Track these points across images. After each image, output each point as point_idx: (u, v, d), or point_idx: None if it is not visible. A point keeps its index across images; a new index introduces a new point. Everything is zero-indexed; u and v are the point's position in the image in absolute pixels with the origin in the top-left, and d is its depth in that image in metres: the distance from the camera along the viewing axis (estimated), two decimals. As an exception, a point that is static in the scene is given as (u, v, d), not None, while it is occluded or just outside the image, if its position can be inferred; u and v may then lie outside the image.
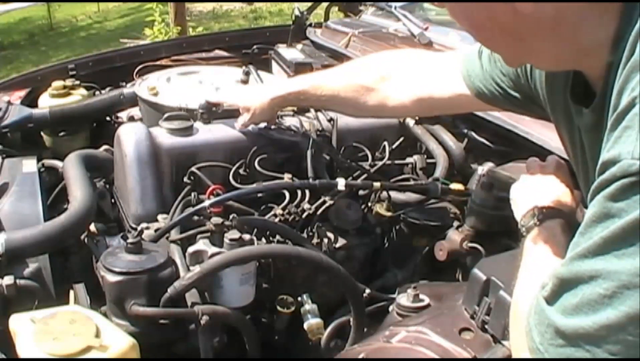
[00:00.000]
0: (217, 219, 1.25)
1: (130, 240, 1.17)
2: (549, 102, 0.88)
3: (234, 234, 1.22)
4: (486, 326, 0.95)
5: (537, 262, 0.82)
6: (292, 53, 2.31)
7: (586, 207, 0.96)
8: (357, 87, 1.34)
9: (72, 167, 1.54)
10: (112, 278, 1.13)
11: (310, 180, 1.43)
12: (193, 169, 1.45)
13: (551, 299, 0.60)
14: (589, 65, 0.69)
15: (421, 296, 1.17)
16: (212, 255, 1.20)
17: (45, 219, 1.40)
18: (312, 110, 1.68)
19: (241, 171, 1.49)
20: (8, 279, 1.19)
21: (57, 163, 1.72)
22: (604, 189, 0.55)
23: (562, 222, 0.88)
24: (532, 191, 0.97)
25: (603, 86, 0.66)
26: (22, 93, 2.09)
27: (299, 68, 2.11)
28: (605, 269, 0.53)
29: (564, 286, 0.58)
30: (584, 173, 0.83)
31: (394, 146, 1.69)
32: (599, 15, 0.63)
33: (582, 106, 0.74)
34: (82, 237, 1.44)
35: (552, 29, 0.66)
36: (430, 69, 1.23)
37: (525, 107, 1.02)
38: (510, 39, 0.70)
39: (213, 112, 1.60)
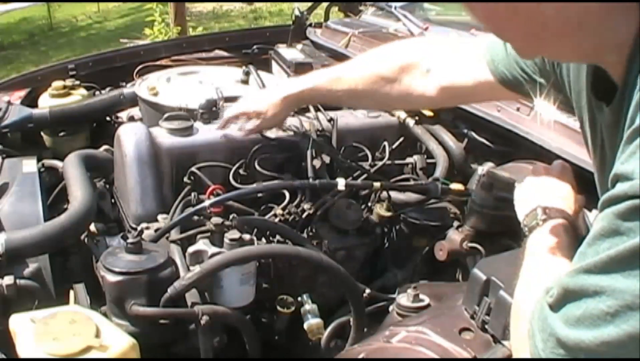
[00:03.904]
0: (217, 219, 1.25)
1: (130, 240, 1.17)
2: (574, 92, 0.86)
3: (234, 234, 1.22)
4: (486, 326, 0.94)
5: (539, 262, 0.82)
6: (292, 53, 2.31)
7: (589, 210, 0.97)
8: (376, 79, 1.30)
9: (72, 167, 1.54)
10: (112, 278, 1.13)
11: (310, 180, 1.43)
12: (193, 169, 1.45)
13: (555, 307, 0.60)
14: (610, 62, 0.68)
15: (421, 296, 1.17)
16: (212, 255, 1.20)
17: (45, 219, 1.40)
18: (312, 110, 1.68)
19: (241, 171, 1.49)
20: (8, 279, 1.19)
21: (57, 163, 1.72)
22: (613, 205, 0.55)
23: (565, 223, 0.88)
24: (536, 191, 0.97)
25: (622, 87, 0.65)
26: (22, 93, 2.09)
27: (299, 68, 2.10)
28: (610, 287, 0.54)
29: (568, 296, 0.58)
30: (600, 170, 0.82)
31: (394, 146, 1.69)
32: (622, 13, 0.62)
33: (603, 102, 0.73)
34: (82, 237, 1.44)
35: (575, 29, 0.65)
36: (452, 57, 1.19)
37: (550, 95, 0.98)
38: (531, 37, 0.68)
39: (213, 112, 1.60)
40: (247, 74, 1.91)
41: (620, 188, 0.55)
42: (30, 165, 1.64)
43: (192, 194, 1.39)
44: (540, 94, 1.01)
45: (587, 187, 0.92)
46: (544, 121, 1.38)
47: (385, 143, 1.66)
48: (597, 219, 0.58)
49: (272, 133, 1.56)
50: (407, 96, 1.27)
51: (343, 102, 1.54)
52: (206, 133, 1.53)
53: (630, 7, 0.62)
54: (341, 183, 1.39)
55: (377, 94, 1.31)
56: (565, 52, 0.72)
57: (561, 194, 0.94)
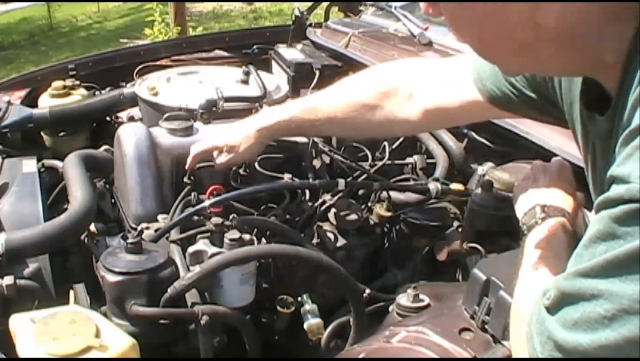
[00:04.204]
0: (217, 219, 1.25)
1: (130, 240, 1.17)
2: (566, 104, 0.84)
3: (234, 234, 1.22)
4: (486, 326, 0.95)
5: (538, 261, 0.82)
6: (292, 53, 2.31)
7: (588, 208, 0.97)
8: (357, 107, 1.24)
9: (72, 167, 1.54)
10: (112, 278, 1.13)
11: (310, 180, 1.43)
12: (193, 169, 1.45)
13: (552, 310, 0.60)
14: (604, 70, 0.67)
15: (421, 296, 1.17)
16: (212, 255, 1.20)
17: (45, 219, 1.40)
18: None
19: (241, 171, 1.49)
20: (8, 279, 1.19)
21: (57, 163, 1.72)
22: (609, 208, 0.55)
23: (564, 221, 0.88)
24: (535, 189, 0.97)
25: (617, 94, 0.64)
26: (22, 93, 2.09)
27: (299, 68, 2.11)
28: (607, 290, 0.53)
29: (565, 299, 0.58)
30: (593, 180, 0.81)
31: (394, 146, 1.69)
32: (620, 21, 0.61)
33: (596, 112, 0.72)
34: (82, 237, 1.44)
35: (571, 41, 0.63)
36: (435, 79, 1.15)
37: (542, 109, 0.95)
38: (524, 52, 0.66)
39: (213, 112, 1.60)
40: (247, 74, 1.91)
41: (616, 190, 0.55)
42: (30, 165, 1.64)
43: (192, 194, 1.39)
44: (531, 109, 0.98)
45: (586, 186, 0.92)
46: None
47: (385, 143, 1.66)
48: (593, 221, 0.58)
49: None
50: (389, 122, 1.22)
51: (321, 131, 1.46)
52: (206, 133, 1.53)
53: (628, 13, 0.61)
54: (341, 183, 1.39)
55: (358, 122, 1.25)
56: (560, 68, 0.71)
57: (559, 192, 0.94)
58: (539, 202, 0.91)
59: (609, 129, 0.67)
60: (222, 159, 1.40)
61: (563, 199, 0.93)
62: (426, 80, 1.18)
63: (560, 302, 0.59)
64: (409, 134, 1.63)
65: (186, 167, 1.42)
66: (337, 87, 1.33)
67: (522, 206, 0.94)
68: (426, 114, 1.17)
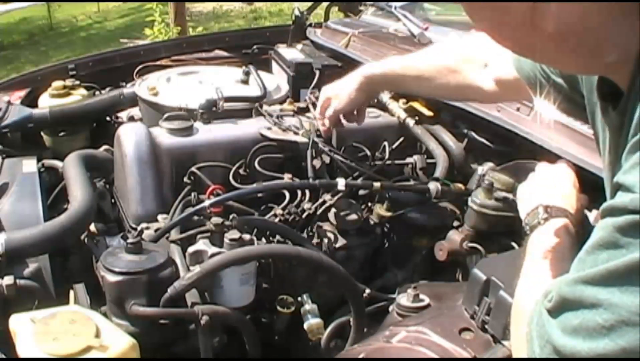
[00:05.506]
0: (217, 219, 1.25)
1: (130, 240, 1.17)
2: (586, 90, 0.84)
3: (234, 234, 1.22)
4: (486, 326, 0.95)
5: (540, 261, 0.82)
6: (292, 53, 2.31)
7: (589, 210, 0.97)
8: (441, 68, 1.35)
9: (72, 167, 1.54)
10: (112, 278, 1.13)
11: (310, 180, 1.43)
12: (193, 169, 1.45)
13: (553, 313, 0.60)
14: (615, 72, 0.67)
15: (421, 296, 1.17)
16: (212, 255, 1.20)
17: (45, 219, 1.40)
18: (312, 110, 1.68)
19: (241, 171, 1.49)
20: (8, 279, 1.19)
21: (57, 163, 1.72)
22: (614, 216, 0.55)
23: (567, 222, 0.88)
24: (538, 190, 0.97)
25: (628, 91, 0.64)
26: (22, 93, 2.09)
27: (299, 68, 2.10)
28: (607, 300, 0.54)
29: (565, 305, 0.58)
30: (609, 168, 0.81)
31: (394, 146, 1.69)
32: (625, 22, 0.61)
33: (610, 104, 0.72)
34: (82, 237, 1.44)
35: (576, 45, 0.63)
36: (499, 53, 1.16)
37: (568, 96, 0.95)
38: (532, 52, 0.68)
39: (213, 112, 1.60)
40: (247, 74, 1.91)
41: (621, 199, 0.55)
42: (30, 165, 1.64)
43: (192, 194, 1.39)
44: (558, 94, 0.97)
45: (587, 187, 0.92)
46: (544, 120, 1.38)
47: (385, 143, 1.66)
48: (597, 227, 0.58)
49: (272, 133, 1.56)
50: (466, 87, 1.31)
51: (409, 88, 1.56)
52: (206, 133, 1.53)
53: (633, 12, 0.60)
54: (341, 183, 1.39)
55: (440, 83, 1.35)
56: (570, 68, 0.71)
57: (563, 193, 0.94)
58: (542, 202, 0.91)
59: (619, 124, 0.67)
60: (330, 111, 1.52)
61: (566, 200, 0.93)
62: (497, 52, 1.21)
63: (561, 307, 0.59)
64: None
65: (323, 131, 1.54)
66: (427, 51, 1.50)
67: (525, 206, 0.95)
68: (496, 84, 1.23)
